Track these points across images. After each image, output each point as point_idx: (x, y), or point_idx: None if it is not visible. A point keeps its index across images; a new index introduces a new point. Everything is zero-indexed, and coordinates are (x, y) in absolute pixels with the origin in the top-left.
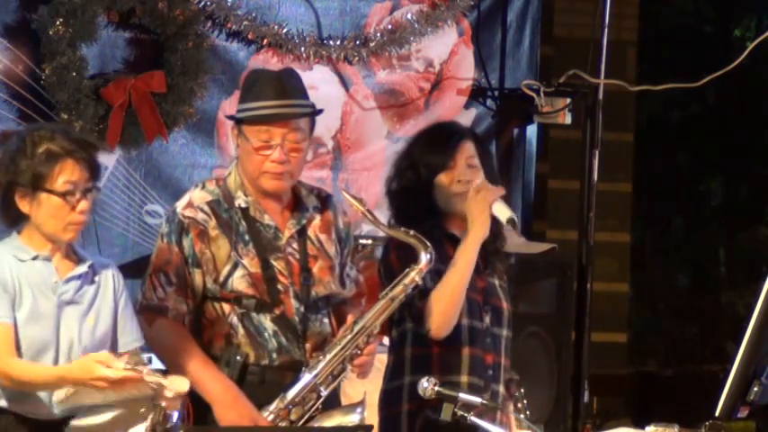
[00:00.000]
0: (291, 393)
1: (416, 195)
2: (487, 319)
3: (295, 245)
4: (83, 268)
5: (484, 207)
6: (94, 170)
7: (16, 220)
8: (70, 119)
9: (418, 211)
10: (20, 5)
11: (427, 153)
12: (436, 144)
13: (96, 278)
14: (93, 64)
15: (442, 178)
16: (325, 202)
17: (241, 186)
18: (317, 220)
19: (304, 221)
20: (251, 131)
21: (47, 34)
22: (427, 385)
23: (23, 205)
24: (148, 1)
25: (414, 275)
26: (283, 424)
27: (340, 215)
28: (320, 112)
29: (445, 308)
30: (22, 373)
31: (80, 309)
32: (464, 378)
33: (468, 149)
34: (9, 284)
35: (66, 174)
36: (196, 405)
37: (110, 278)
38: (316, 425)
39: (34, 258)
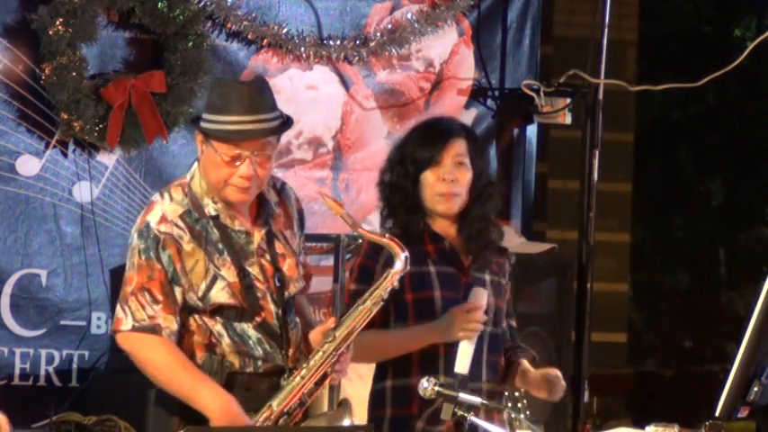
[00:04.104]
0: (278, 404)
1: (402, 190)
2: None
3: (265, 246)
4: None
5: (459, 332)
6: None
7: None
8: (70, 119)
9: (402, 205)
10: (20, 5)
11: (416, 148)
12: (426, 140)
13: None
14: (93, 64)
15: (428, 175)
16: (281, 193)
17: (207, 193)
18: (281, 216)
19: (271, 221)
20: (219, 145)
21: (47, 34)
22: (427, 385)
23: None
24: (148, 1)
25: (390, 280)
26: None
27: (295, 203)
28: (291, 122)
29: (367, 357)
30: None
31: None
32: (441, 379)
33: (457, 147)
34: None
35: None
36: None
37: None
38: None
39: None
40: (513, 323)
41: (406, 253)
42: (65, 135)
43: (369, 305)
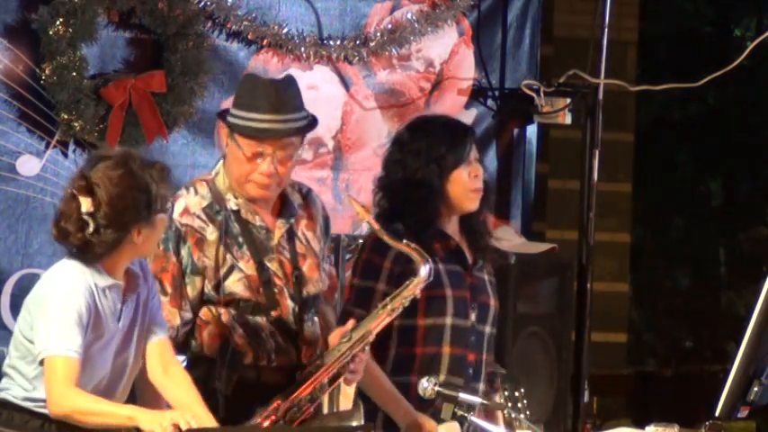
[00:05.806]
0: (288, 395)
1: (435, 189)
2: (473, 317)
3: (285, 244)
4: (137, 289)
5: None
6: None
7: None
8: (70, 119)
9: (436, 204)
10: (20, 5)
11: (447, 146)
12: (456, 137)
13: (140, 291)
14: (93, 64)
15: (460, 173)
16: (306, 198)
17: (230, 188)
18: (303, 218)
19: (292, 220)
20: (243, 140)
21: (47, 34)
22: (427, 385)
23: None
24: (148, 1)
25: (413, 288)
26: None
27: (321, 210)
28: (315, 123)
29: None
30: (83, 403)
31: (131, 327)
32: (443, 378)
33: (475, 144)
34: (85, 316)
35: None
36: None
37: (149, 283)
38: None
39: (110, 287)
40: None
41: (431, 263)
42: (65, 135)
43: (389, 310)
